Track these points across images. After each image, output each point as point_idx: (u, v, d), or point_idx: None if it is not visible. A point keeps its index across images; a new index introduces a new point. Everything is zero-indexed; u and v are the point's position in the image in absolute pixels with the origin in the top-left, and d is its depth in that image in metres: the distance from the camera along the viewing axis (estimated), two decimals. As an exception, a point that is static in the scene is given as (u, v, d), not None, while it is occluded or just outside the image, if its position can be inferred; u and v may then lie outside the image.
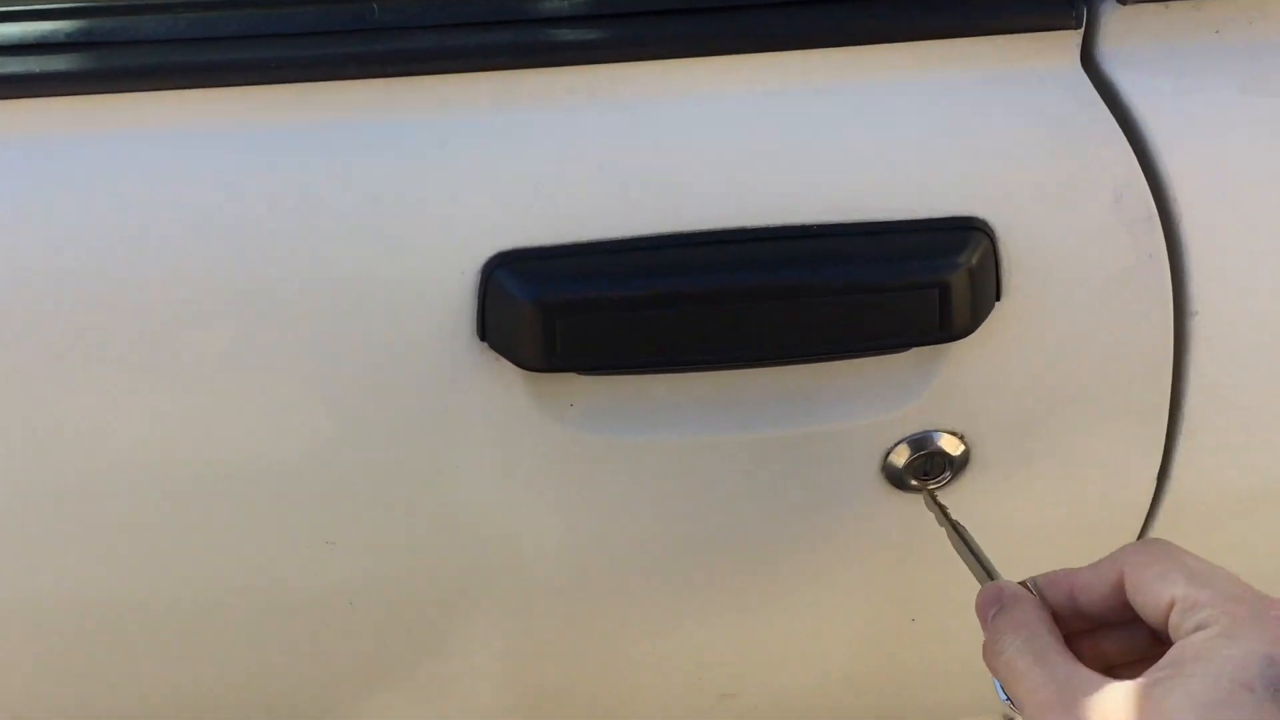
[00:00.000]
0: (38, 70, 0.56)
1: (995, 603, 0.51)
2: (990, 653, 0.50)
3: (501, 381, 0.59)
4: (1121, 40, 0.59)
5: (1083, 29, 0.59)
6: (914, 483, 0.64)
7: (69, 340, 0.57)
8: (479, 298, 0.57)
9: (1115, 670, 0.48)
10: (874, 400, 0.62)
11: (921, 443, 0.63)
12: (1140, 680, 0.45)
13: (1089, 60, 0.60)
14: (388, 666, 0.71)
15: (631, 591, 0.69)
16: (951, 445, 0.63)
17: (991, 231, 0.58)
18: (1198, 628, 0.45)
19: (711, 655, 0.74)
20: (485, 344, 0.58)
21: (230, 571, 0.65)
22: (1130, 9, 0.59)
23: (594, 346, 0.57)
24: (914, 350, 0.60)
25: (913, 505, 0.65)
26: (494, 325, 0.58)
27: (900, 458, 0.63)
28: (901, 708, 0.78)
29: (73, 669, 0.69)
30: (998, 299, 0.59)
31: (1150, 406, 0.62)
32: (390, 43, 0.57)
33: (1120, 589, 0.49)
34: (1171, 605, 0.47)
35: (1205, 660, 0.44)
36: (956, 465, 0.63)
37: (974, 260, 0.57)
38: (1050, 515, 0.66)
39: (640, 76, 0.58)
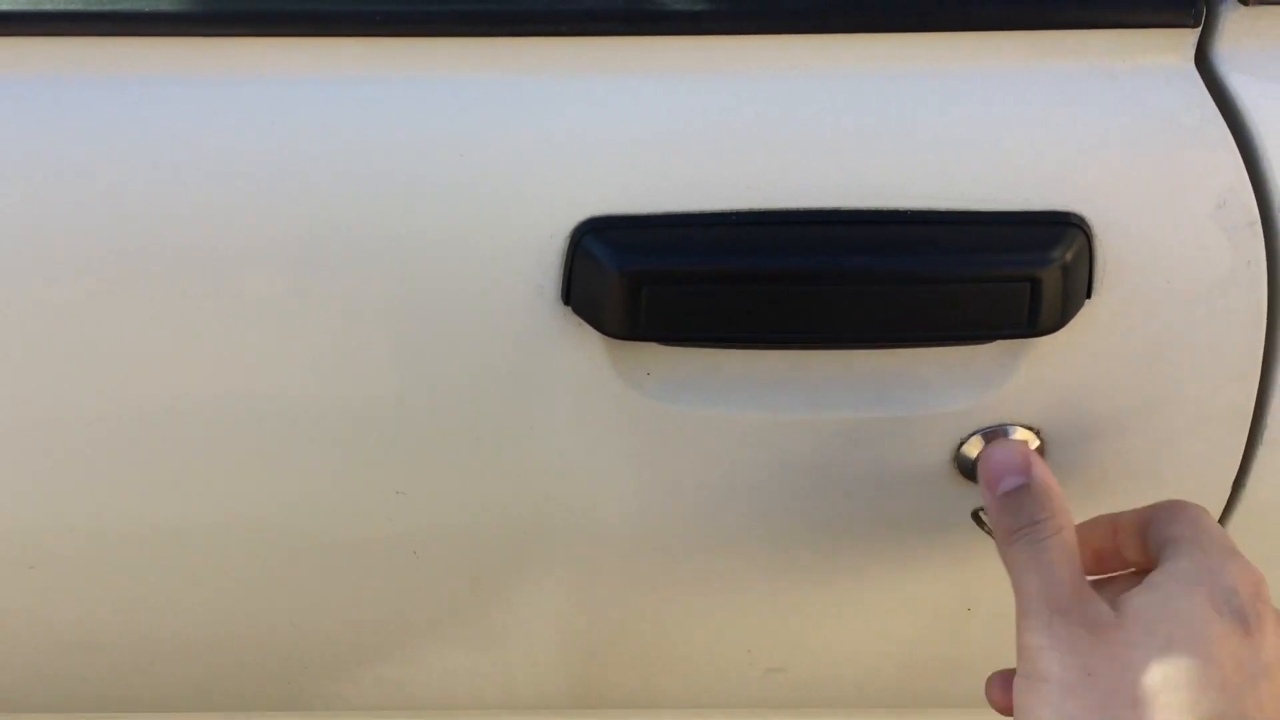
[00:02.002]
0: (129, 9, 0.57)
1: (1018, 473, 0.55)
2: (1005, 525, 0.55)
3: (582, 346, 0.60)
4: (1239, 42, 0.58)
5: (1200, 28, 0.57)
6: (974, 456, 0.64)
7: (162, 287, 0.58)
8: (566, 263, 0.57)
9: None
10: (951, 390, 0.62)
11: (996, 436, 0.62)
12: (1128, 594, 0.51)
13: (1203, 60, 0.58)
14: (447, 616, 0.72)
15: (690, 561, 0.69)
16: (1027, 440, 0.62)
17: (1088, 228, 0.57)
18: (1179, 556, 0.52)
19: (763, 629, 0.75)
20: (569, 308, 0.58)
21: (299, 515, 0.66)
22: (1251, 10, 0.57)
23: (678, 317, 0.57)
24: (997, 342, 0.60)
25: (980, 496, 0.65)
26: (579, 290, 0.58)
27: (973, 449, 0.63)
28: (948, 695, 0.78)
29: (152, 594, 0.71)
30: (1088, 297, 0.58)
31: (1233, 414, 0.62)
32: (496, 2, 0.57)
33: (1146, 532, 0.55)
34: (1168, 540, 0.53)
35: (1181, 582, 0.50)
36: (1030, 461, 0.63)
37: (1068, 256, 0.56)
38: (1120, 516, 0.66)
39: (745, 50, 0.57)
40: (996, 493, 0.56)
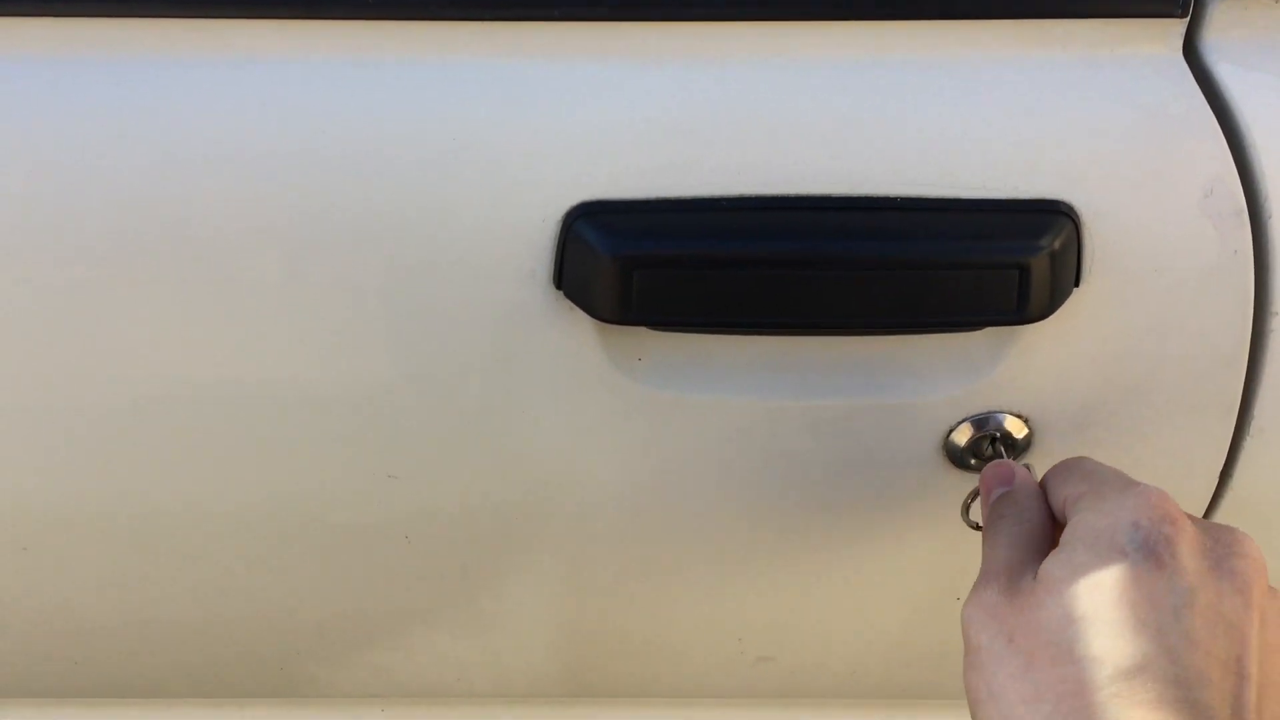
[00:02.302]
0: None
1: (1005, 483, 0.56)
2: (986, 522, 0.55)
3: (574, 331, 0.60)
4: (1226, 32, 0.58)
5: (1188, 18, 0.58)
6: (974, 462, 0.64)
7: (153, 270, 0.58)
8: (558, 247, 0.58)
9: None
10: (941, 377, 0.62)
11: (985, 423, 0.63)
12: (1034, 581, 0.49)
13: (1190, 50, 0.59)
14: (438, 601, 0.73)
15: (681, 547, 0.70)
16: (1016, 427, 0.63)
17: (1077, 216, 0.57)
18: (1079, 511, 0.50)
19: (754, 617, 0.75)
20: (561, 293, 0.59)
21: (293, 497, 0.66)
22: (1238, 0, 0.58)
23: (670, 302, 0.58)
24: (986, 330, 0.60)
25: (970, 484, 0.65)
26: (571, 275, 0.58)
27: (962, 436, 0.63)
28: (938, 685, 0.78)
29: (143, 578, 0.71)
30: (1076, 285, 0.58)
31: (1220, 403, 0.62)
32: (489, -14, 0.57)
33: (1049, 500, 0.54)
34: (1064, 505, 0.52)
35: (1083, 534, 0.49)
36: (1019, 448, 0.63)
37: (1056, 244, 0.56)
38: (1108, 505, 0.66)
39: (738, 36, 0.58)
40: (989, 501, 0.56)
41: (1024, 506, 0.54)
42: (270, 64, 0.58)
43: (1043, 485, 0.55)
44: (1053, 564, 0.49)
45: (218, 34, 0.58)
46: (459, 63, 0.58)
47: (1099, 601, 0.46)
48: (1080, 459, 0.55)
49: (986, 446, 0.64)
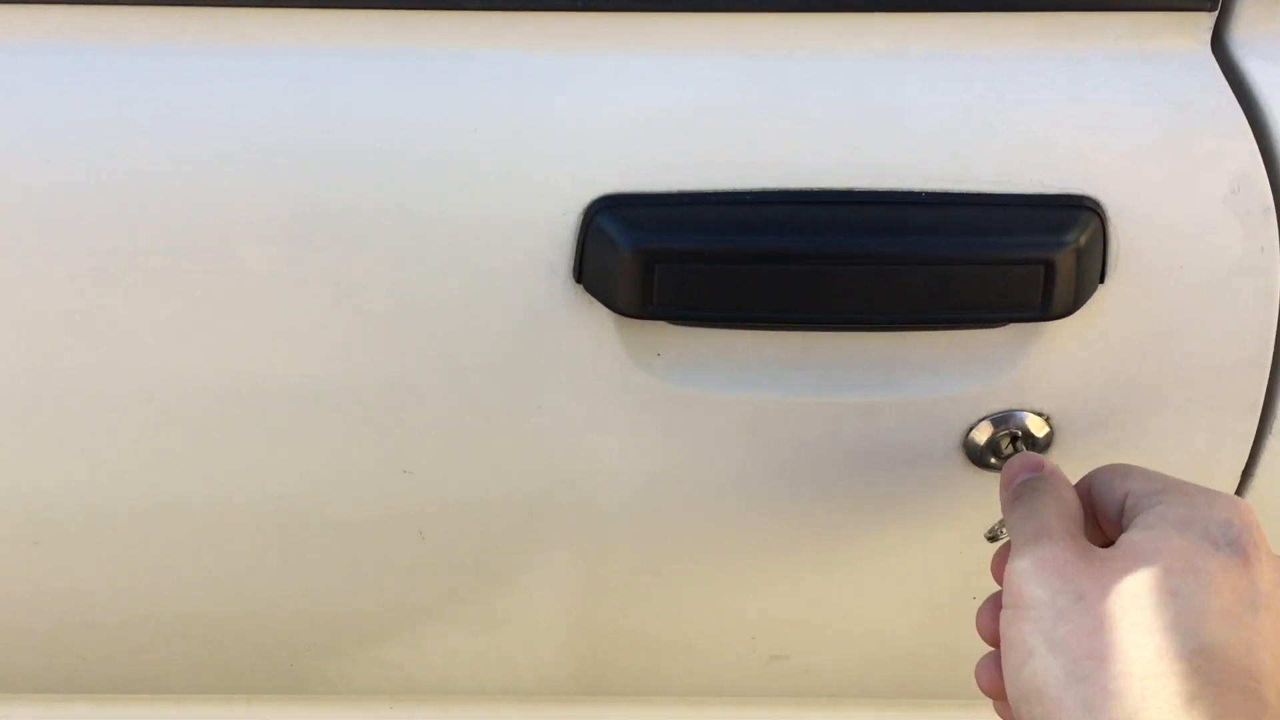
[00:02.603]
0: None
1: (1034, 469, 0.56)
2: (1014, 496, 0.55)
3: (593, 325, 0.59)
4: (1254, 27, 0.58)
5: (1216, 12, 0.57)
6: (993, 461, 0.64)
7: (169, 262, 0.58)
8: (578, 241, 0.57)
9: None
10: (962, 374, 0.62)
11: (1006, 421, 0.62)
12: (1111, 549, 0.50)
13: (1219, 45, 0.58)
14: (451, 595, 0.72)
15: (695, 543, 0.69)
16: (1037, 426, 0.62)
17: (1103, 212, 0.57)
18: (1162, 502, 0.51)
19: (768, 615, 0.74)
20: (581, 286, 0.58)
21: (308, 492, 0.66)
22: (1268, -5, 0.57)
23: (690, 296, 0.57)
24: (1008, 326, 0.60)
25: (989, 483, 0.64)
26: (591, 268, 0.57)
27: (982, 435, 0.63)
28: (952, 685, 0.78)
29: (155, 574, 0.71)
30: (1101, 281, 0.58)
31: (1243, 402, 0.61)
32: (511, -24, 0.57)
33: (1093, 502, 0.54)
34: (1125, 498, 0.52)
35: (1173, 520, 0.49)
36: (1040, 447, 0.63)
37: (1082, 240, 0.56)
38: (1128, 504, 0.66)
39: (761, 29, 0.57)
40: (1009, 490, 0.56)
41: (1061, 488, 0.54)
42: (290, 55, 0.58)
43: (1087, 483, 0.55)
44: (1141, 537, 0.49)
45: (233, 25, 0.57)
46: (480, 55, 0.57)
47: (1188, 581, 0.47)
48: (1124, 465, 0.55)
49: (1006, 445, 0.63)
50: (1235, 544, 0.49)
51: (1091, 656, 0.46)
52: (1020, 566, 0.50)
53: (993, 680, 0.52)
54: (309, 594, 0.72)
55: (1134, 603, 0.47)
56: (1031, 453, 0.59)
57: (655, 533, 0.68)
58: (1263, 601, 0.48)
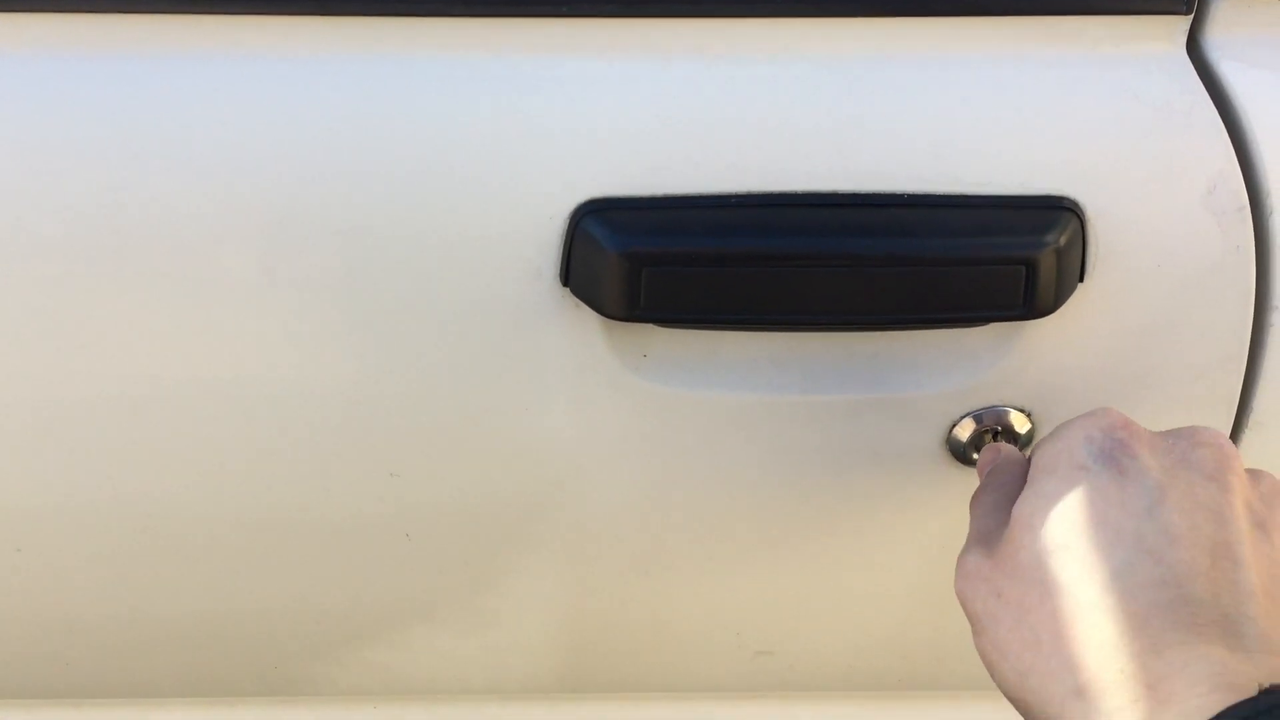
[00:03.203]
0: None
1: (987, 464, 0.56)
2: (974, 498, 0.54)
3: (580, 329, 0.60)
4: (1230, 29, 0.59)
5: (1192, 15, 0.58)
6: (975, 457, 0.64)
7: (151, 267, 0.58)
8: (565, 244, 0.57)
9: None
10: (944, 372, 0.62)
11: (988, 418, 0.63)
12: (1005, 529, 0.48)
13: (1194, 47, 0.59)
14: (437, 596, 0.72)
15: (681, 543, 0.70)
16: (1019, 422, 0.63)
17: (1082, 213, 0.58)
18: (1035, 448, 0.50)
19: (753, 612, 0.75)
20: (568, 290, 0.58)
21: (293, 495, 0.66)
22: (1243, -2, 0.58)
23: (677, 299, 0.58)
24: (989, 325, 0.61)
25: (972, 479, 0.65)
26: (578, 272, 0.58)
27: (965, 431, 0.64)
28: (939, 678, 0.79)
29: (138, 576, 0.70)
30: (1081, 280, 0.59)
31: (1221, 397, 0.62)
32: (496, -18, 0.57)
33: None
34: (1032, 451, 0.51)
35: (1042, 464, 0.48)
36: (1021, 442, 0.64)
37: (1062, 240, 0.57)
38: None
39: (745, 33, 0.58)
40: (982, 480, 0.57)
41: (1003, 475, 0.53)
42: (272, 61, 0.57)
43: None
44: (1019, 504, 0.48)
45: (217, 31, 0.57)
46: (465, 59, 0.58)
47: (1070, 524, 0.45)
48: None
49: (989, 441, 0.64)
50: (1102, 456, 0.46)
51: (1026, 648, 0.45)
52: (956, 588, 0.50)
53: None
54: (294, 596, 0.72)
55: (1034, 575, 0.45)
56: (995, 444, 0.59)
57: (642, 533, 0.68)
58: (1155, 499, 0.45)
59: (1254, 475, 0.48)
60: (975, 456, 0.64)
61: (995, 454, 0.57)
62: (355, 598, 0.72)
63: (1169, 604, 0.42)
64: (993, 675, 0.47)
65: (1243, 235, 0.58)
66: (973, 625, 0.49)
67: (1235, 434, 0.64)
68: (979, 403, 0.63)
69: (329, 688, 0.80)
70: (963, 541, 0.66)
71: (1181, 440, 0.48)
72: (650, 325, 0.60)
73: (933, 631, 0.74)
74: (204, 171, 0.57)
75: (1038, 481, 0.48)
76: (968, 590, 0.49)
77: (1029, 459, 0.52)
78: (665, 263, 0.57)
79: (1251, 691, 0.38)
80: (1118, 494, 0.45)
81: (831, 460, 0.65)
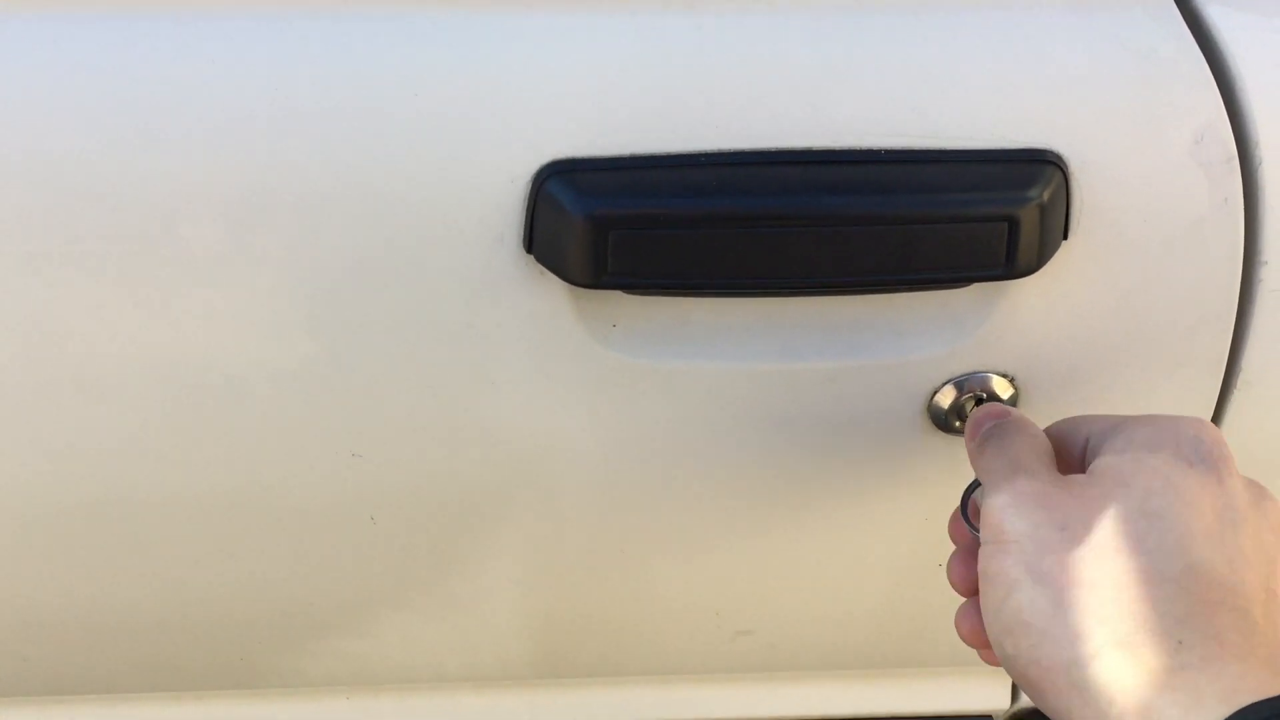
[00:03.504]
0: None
1: (1000, 419, 0.55)
2: (980, 440, 0.54)
3: (545, 297, 0.58)
4: (1216, -29, 0.57)
5: (1177, -41, 0.56)
6: (958, 424, 0.63)
7: (96, 242, 0.55)
8: (528, 208, 0.55)
9: None
10: (925, 336, 0.61)
11: (970, 383, 0.61)
12: (1086, 476, 0.49)
13: (1180, -8, 0.57)
14: (406, 582, 0.70)
15: (656, 521, 0.68)
16: (1001, 387, 0.61)
17: (1065, 166, 0.56)
18: (1124, 430, 0.50)
19: (732, 590, 0.73)
20: (531, 256, 0.56)
21: (252, 479, 0.64)
22: (1229, -61, 0.56)
23: (645, 263, 0.56)
24: (971, 286, 0.59)
25: (953, 447, 0.64)
26: (542, 237, 0.56)
27: (946, 398, 0.62)
28: (920, 654, 0.77)
29: (96, 567, 0.68)
30: (1065, 237, 0.57)
31: (1209, 356, 0.61)
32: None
33: (1063, 447, 0.53)
34: (1087, 440, 0.52)
35: (1141, 440, 0.49)
36: (1005, 408, 0.62)
37: (1045, 195, 0.55)
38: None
39: (712, -17, 0.56)
40: (976, 439, 0.55)
41: (1029, 428, 0.54)
42: (229, 20, 0.55)
43: (1054, 434, 0.54)
44: (1115, 461, 0.49)
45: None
46: (422, 15, 0.55)
47: (1169, 501, 0.46)
48: (1086, 415, 0.54)
49: (971, 407, 0.62)
50: (1208, 460, 0.48)
51: (1079, 584, 0.45)
52: (999, 502, 0.49)
53: (974, 627, 0.51)
54: (258, 585, 0.70)
55: (1118, 527, 0.46)
56: (995, 402, 0.58)
57: (615, 510, 0.67)
58: (1240, 517, 0.47)
59: None
60: (958, 424, 0.62)
61: (996, 409, 0.56)
62: (321, 585, 0.70)
63: (1232, 609, 0.45)
64: (993, 592, 0.48)
65: (1231, 187, 0.56)
66: (997, 543, 0.48)
67: (1223, 394, 0.62)
68: (961, 368, 0.61)
69: (299, 679, 0.78)
70: (943, 514, 0.64)
71: (1254, 486, 0.50)
72: (618, 293, 0.58)
73: (915, 606, 0.73)
74: (149, 141, 0.54)
75: (1135, 452, 0.49)
76: (1016, 508, 0.48)
77: (1052, 437, 0.54)
78: (633, 225, 0.55)
79: None
80: (1212, 498, 0.47)
81: (809, 431, 0.63)
